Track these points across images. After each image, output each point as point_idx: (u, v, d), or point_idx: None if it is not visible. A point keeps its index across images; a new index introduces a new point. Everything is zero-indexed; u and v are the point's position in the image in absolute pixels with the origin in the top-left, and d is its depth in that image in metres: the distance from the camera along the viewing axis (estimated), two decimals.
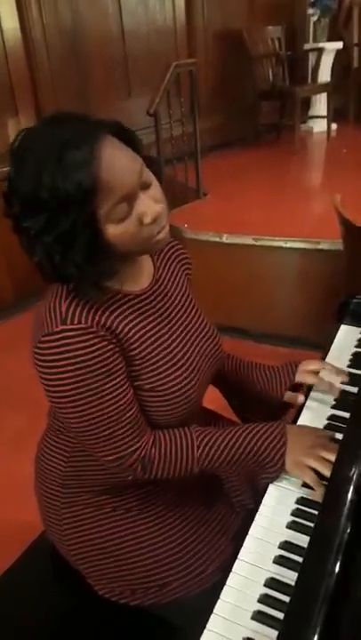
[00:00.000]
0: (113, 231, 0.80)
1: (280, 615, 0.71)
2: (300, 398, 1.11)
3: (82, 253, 0.79)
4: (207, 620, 0.74)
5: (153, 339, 0.94)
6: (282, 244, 2.69)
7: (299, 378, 1.13)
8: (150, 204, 0.83)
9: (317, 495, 0.87)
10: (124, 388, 0.88)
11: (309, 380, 1.12)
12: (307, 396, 1.12)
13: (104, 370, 0.84)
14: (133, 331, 0.91)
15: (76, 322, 0.83)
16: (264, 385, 1.16)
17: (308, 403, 1.11)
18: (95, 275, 0.83)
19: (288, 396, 1.14)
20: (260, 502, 0.89)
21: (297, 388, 1.16)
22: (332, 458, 0.89)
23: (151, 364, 0.92)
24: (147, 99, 3.33)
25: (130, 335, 0.90)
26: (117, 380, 0.86)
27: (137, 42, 4.19)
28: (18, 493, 1.46)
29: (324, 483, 0.87)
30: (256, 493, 0.98)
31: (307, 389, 1.14)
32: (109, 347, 0.85)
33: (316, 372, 1.13)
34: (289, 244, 2.67)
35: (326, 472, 0.88)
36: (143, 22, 4.24)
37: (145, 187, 0.83)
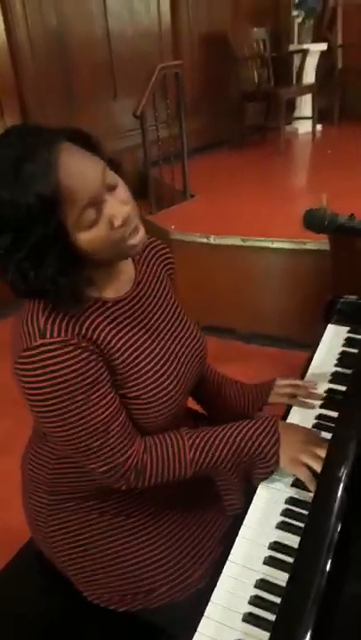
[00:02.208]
0: (84, 238, 0.79)
1: (271, 617, 0.71)
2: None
3: (55, 266, 0.78)
4: (197, 623, 0.74)
5: (135, 346, 0.92)
6: (269, 244, 2.70)
7: (273, 399, 1.15)
8: (118, 206, 0.81)
9: (310, 490, 0.88)
10: (111, 396, 0.87)
11: (284, 400, 1.13)
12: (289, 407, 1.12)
13: (88, 381, 0.83)
14: (115, 339, 0.89)
15: (55, 335, 0.81)
16: (236, 402, 1.17)
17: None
18: (71, 287, 0.81)
19: (258, 416, 1.13)
20: (249, 503, 0.89)
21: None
22: (324, 455, 0.89)
23: (134, 372, 0.91)
24: (133, 101, 3.33)
25: (111, 344, 0.89)
26: (103, 389, 0.85)
27: (122, 44, 4.18)
28: (5, 497, 1.44)
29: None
30: (245, 494, 0.97)
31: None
32: (92, 357, 0.84)
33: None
34: (276, 245, 2.68)
35: (319, 468, 0.88)
36: (128, 24, 4.24)
37: (111, 189, 0.81)
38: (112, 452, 0.87)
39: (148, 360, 0.93)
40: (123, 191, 0.83)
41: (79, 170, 0.76)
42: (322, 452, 0.90)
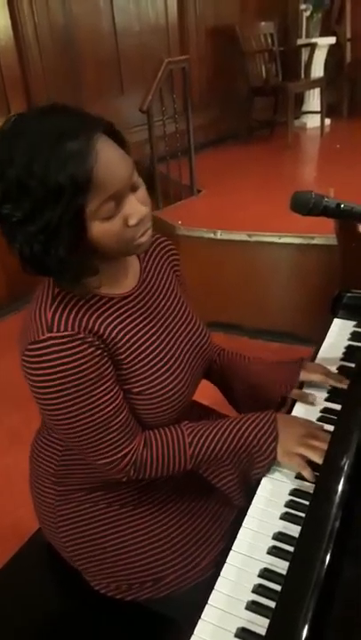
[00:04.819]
0: (98, 229, 0.79)
1: (274, 605, 0.72)
2: (313, 397, 1.09)
3: (64, 247, 0.77)
4: (202, 611, 0.75)
5: (140, 342, 0.93)
6: (276, 239, 2.70)
7: (304, 377, 1.11)
8: (137, 205, 0.82)
9: (309, 478, 0.89)
10: (114, 392, 0.88)
11: (316, 378, 1.10)
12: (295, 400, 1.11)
13: (93, 376, 0.84)
14: (121, 334, 0.90)
15: (62, 329, 0.82)
16: (266, 380, 1.13)
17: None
18: (75, 270, 0.81)
19: (297, 392, 1.11)
20: (254, 495, 0.90)
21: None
22: (323, 446, 0.90)
23: (139, 368, 0.92)
24: (140, 96, 3.33)
25: (117, 339, 0.89)
26: (107, 384, 0.86)
27: (129, 39, 4.18)
28: (14, 489, 1.46)
29: (316, 474, 0.88)
30: (247, 490, 0.98)
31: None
32: (97, 352, 0.85)
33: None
34: (283, 240, 2.68)
35: (317, 459, 0.89)
36: (135, 19, 4.23)
37: (134, 188, 0.82)
38: (111, 446, 0.89)
39: (152, 356, 0.94)
40: (143, 193, 0.84)
41: (113, 162, 0.77)
42: (319, 444, 0.91)
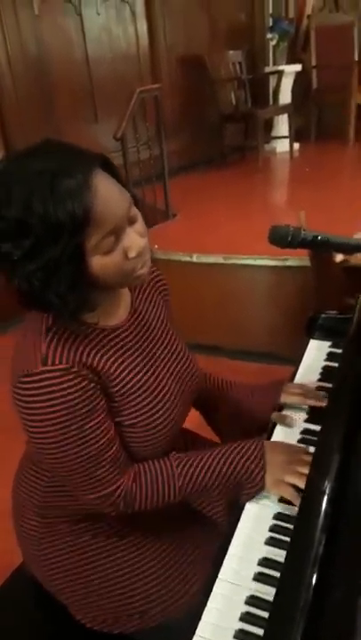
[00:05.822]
0: (98, 262, 0.79)
1: (262, 632, 0.72)
2: (290, 419, 1.08)
3: (65, 283, 0.77)
4: None
5: (132, 374, 0.93)
6: (251, 261, 2.74)
7: (284, 399, 1.13)
8: (136, 238, 0.83)
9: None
10: (106, 425, 0.87)
11: (295, 399, 1.11)
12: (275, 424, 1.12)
13: (86, 410, 0.83)
14: (114, 367, 0.90)
15: (57, 362, 0.82)
16: (251, 404, 1.15)
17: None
18: (75, 305, 0.81)
19: (276, 415, 1.11)
20: (238, 520, 0.90)
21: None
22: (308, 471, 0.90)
23: (131, 400, 0.92)
24: (114, 123, 3.38)
25: (110, 372, 0.89)
26: (99, 418, 0.86)
27: (102, 68, 4.25)
28: None
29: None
30: (230, 507, 0.98)
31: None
32: (91, 385, 0.84)
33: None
34: (258, 262, 2.72)
35: (303, 485, 0.89)
36: (107, 49, 4.31)
37: (132, 221, 0.83)
38: (101, 481, 0.88)
39: (143, 388, 0.94)
40: (141, 225, 0.85)
41: (111, 197, 0.78)
42: (306, 470, 0.91)
